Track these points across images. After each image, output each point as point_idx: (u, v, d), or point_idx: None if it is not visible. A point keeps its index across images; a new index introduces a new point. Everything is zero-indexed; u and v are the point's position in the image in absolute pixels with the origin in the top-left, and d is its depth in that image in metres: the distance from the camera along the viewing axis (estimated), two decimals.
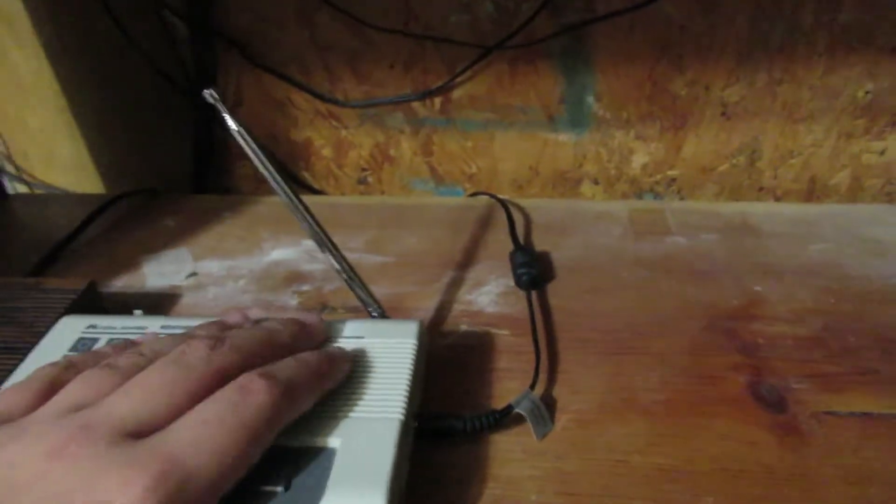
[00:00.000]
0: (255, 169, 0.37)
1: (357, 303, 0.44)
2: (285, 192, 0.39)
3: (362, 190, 0.80)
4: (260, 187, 0.83)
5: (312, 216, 0.41)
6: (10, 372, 0.38)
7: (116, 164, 0.71)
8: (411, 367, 0.38)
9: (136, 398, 0.28)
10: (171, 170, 0.80)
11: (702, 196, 0.74)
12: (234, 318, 0.39)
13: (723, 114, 0.68)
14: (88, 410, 0.28)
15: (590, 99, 0.69)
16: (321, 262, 0.57)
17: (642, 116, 0.69)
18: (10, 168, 0.71)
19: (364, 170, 0.79)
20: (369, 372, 0.38)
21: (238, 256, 0.59)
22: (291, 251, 0.60)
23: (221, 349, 0.32)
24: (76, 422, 0.27)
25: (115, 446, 0.26)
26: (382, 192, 0.80)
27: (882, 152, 0.68)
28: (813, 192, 0.72)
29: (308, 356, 0.35)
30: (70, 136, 0.67)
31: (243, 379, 0.30)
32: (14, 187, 0.72)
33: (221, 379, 0.30)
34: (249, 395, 0.29)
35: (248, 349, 0.33)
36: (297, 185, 0.80)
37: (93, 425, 0.27)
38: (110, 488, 0.25)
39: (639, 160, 0.72)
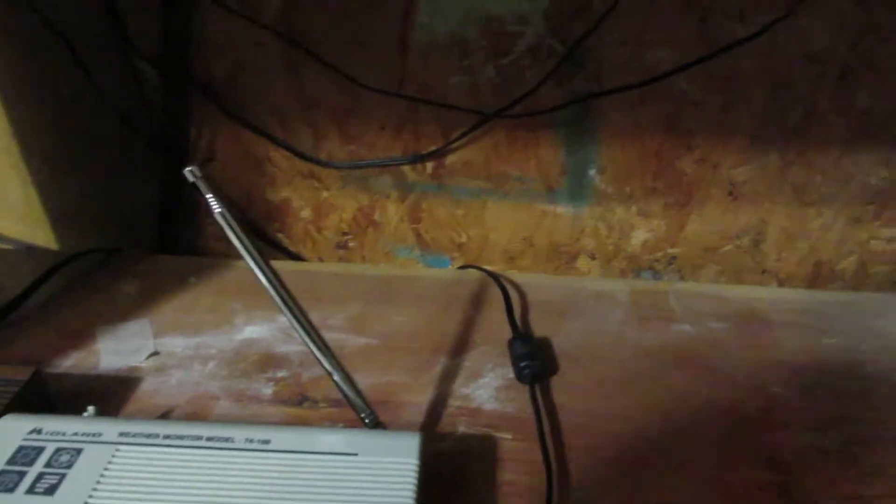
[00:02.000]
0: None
1: (341, 395, 0.39)
2: (275, 290, 0.35)
3: (342, 255, 0.75)
4: (232, 249, 0.76)
5: (304, 315, 0.36)
6: None
7: (71, 214, 0.65)
8: (414, 495, 0.33)
9: None
10: (134, 224, 0.73)
11: (702, 276, 0.70)
12: None
13: (730, 193, 0.65)
14: None
15: (592, 172, 0.66)
16: (298, 343, 0.52)
17: (646, 192, 0.66)
18: None
19: (345, 234, 0.73)
20: (366, 500, 0.32)
21: (206, 332, 0.53)
22: (266, 328, 0.54)
23: None
24: None
25: None
26: (364, 258, 0.75)
27: (891, 239, 0.65)
28: (818, 276, 0.68)
29: None
30: (20, 181, 0.60)
31: None
32: None
33: None
34: None
35: None
36: (272, 247, 0.74)
37: None
38: None
39: (639, 237, 0.69)
